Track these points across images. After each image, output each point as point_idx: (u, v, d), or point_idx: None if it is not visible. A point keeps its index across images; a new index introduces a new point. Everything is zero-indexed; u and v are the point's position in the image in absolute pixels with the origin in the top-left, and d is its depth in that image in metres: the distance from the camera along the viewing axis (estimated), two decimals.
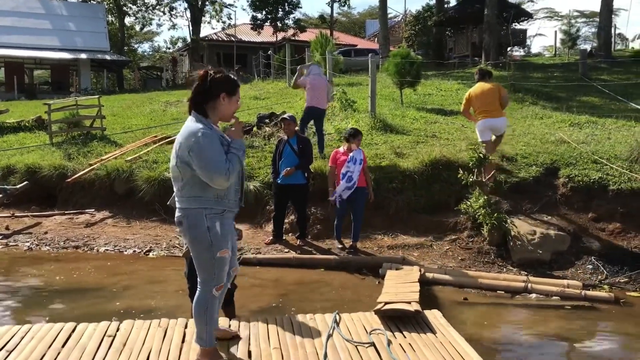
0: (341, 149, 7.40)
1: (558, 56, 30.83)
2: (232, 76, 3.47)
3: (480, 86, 8.02)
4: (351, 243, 7.35)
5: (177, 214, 3.44)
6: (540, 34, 68.41)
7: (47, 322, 4.69)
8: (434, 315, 4.42)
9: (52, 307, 5.60)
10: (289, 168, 7.28)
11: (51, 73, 33.97)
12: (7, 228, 8.31)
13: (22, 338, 4.06)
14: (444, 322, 4.31)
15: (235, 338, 4.02)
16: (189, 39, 39.29)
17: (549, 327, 5.27)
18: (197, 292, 3.54)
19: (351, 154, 7.16)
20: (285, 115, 7.60)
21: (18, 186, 9.26)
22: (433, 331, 4.13)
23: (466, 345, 3.90)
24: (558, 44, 35.11)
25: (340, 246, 7.40)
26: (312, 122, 9.53)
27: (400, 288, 5.16)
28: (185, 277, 4.80)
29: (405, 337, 4.06)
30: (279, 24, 32.22)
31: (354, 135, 7.29)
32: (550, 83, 16.01)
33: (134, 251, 7.49)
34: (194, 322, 3.62)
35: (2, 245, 7.72)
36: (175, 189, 3.46)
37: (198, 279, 3.53)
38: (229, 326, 4.25)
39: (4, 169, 9.85)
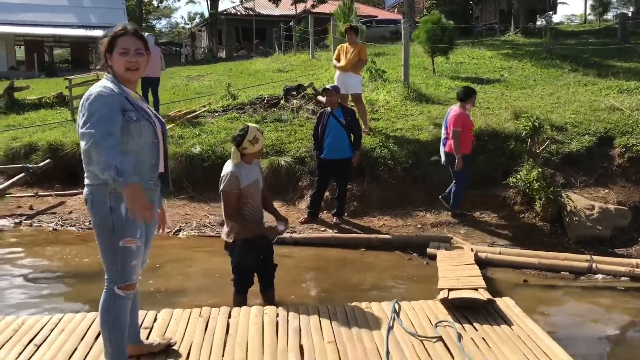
0: (460, 110, 6.75)
1: (588, 23, 29.68)
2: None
3: None
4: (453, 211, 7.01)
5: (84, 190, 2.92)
6: (562, 2, 65.96)
7: (77, 310, 4.35)
8: (506, 304, 3.94)
9: (81, 291, 5.25)
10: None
11: (70, 51, 33.77)
12: (30, 208, 7.99)
13: (52, 330, 3.71)
14: (518, 311, 3.83)
15: (168, 347, 3.41)
16: (207, 14, 38.71)
17: (626, 312, 4.78)
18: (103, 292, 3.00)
19: None
20: (327, 86, 7.04)
21: (40, 164, 8.92)
22: (508, 323, 3.66)
23: (549, 339, 3.44)
24: (588, 11, 33.90)
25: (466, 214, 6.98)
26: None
27: (458, 271, 4.69)
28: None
29: (476, 330, 3.60)
30: None
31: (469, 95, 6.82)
32: (588, 48, 15.22)
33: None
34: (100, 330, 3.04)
35: (26, 226, 7.41)
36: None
37: (105, 276, 2.98)
38: (278, 315, 3.84)
39: (26, 146, 9.50)
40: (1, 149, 9.68)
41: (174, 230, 7.12)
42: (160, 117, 3.13)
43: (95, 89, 2.82)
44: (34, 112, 12.48)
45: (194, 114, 10.56)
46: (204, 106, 11.38)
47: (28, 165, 8.93)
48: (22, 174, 8.72)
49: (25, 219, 7.57)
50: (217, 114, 10.59)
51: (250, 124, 4.33)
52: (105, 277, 2.97)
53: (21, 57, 32.66)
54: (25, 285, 5.39)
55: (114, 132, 2.69)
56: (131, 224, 2.85)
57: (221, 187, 4.19)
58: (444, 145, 6.90)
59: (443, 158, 7.00)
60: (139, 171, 2.87)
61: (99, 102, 2.73)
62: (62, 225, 7.35)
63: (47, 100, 13.29)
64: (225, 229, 4.38)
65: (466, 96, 6.82)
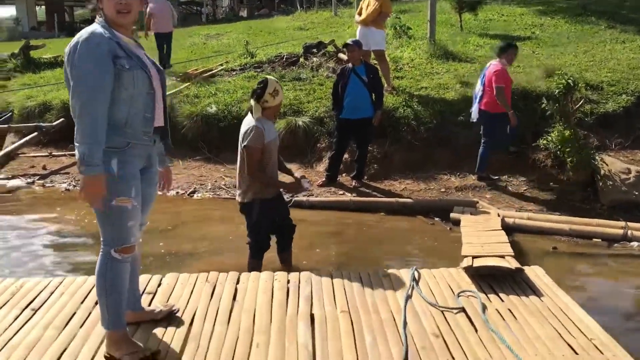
0: (500, 66, 6.40)
1: None
2: None
3: None
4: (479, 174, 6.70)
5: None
6: None
7: (84, 272, 4.18)
8: (535, 273, 3.64)
9: (89, 253, 5.09)
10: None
11: (91, 11, 33.46)
12: (44, 168, 7.86)
13: (52, 294, 3.53)
14: (548, 281, 3.53)
15: (171, 315, 3.18)
16: None
17: None
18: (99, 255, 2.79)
19: None
20: (349, 41, 6.61)
21: (54, 123, 8.75)
22: (537, 293, 3.36)
23: (581, 311, 3.14)
24: None
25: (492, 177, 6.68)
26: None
27: (483, 238, 4.39)
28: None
29: (502, 300, 3.31)
30: None
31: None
32: (626, 4, 14.40)
33: (177, 192, 6.91)
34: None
35: (39, 186, 7.29)
36: None
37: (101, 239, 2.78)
38: (289, 282, 3.60)
39: (40, 105, 9.34)
40: (16, 108, 9.55)
41: (188, 192, 6.93)
42: (159, 66, 2.85)
43: (83, 34, 2.55)
44: (50, 71, 12.31)
45: (210, 72, 10.26)
46: (221, 65, 11.05)
47: (41, 124, 8.78)
48: (35, 133, 8.57)
49: (38, 179, 7.46)
50: (234, 73, 10.26)
51: (268, 77, 4.07)
52: (101, 239, 2.76)
53: (42, 17, 32.49)
54: (33, 246, 5.26)
55: (103, 88, 2.50)
56: (124, 182, 2.62)
57: (245, 142, 3.92)
58: (479, 102, 6.50)
59: (475, 115, 6.61)
60: (130, 124, 2.61)
61: (85, 51, 2.50)
62: (74, 186, 7.20)
63: (63, 59, 13.06)
64: (239, 190, 4.15)
65: (501, 51, 6.43)
